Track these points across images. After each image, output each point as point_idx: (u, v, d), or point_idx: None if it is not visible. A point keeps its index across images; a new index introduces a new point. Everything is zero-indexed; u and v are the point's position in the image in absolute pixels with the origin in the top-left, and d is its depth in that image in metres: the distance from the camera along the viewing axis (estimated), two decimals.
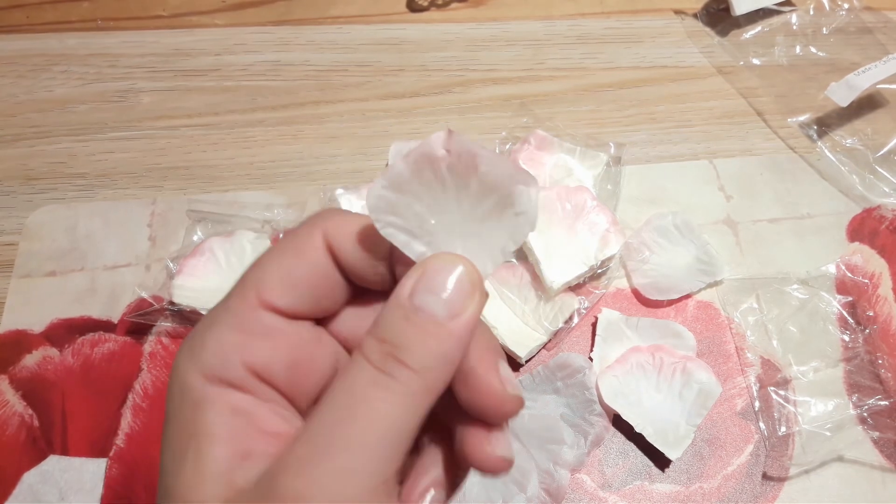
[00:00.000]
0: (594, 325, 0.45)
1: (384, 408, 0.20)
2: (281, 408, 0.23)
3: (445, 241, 0.23)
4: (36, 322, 0.43)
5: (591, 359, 0.43)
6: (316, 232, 0.23)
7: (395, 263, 0.23)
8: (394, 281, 0.24)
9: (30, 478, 0.39)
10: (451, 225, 0.23)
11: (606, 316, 0.44)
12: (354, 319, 0.25)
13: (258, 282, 0.22)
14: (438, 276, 0.21)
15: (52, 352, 0.42)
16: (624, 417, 0.41)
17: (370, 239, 0.23)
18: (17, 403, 0.40)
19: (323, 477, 0.19)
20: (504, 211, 0.23)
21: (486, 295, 0.22)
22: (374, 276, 0.23)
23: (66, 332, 0.43)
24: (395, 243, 0.23)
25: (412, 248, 0.23)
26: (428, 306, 0.21)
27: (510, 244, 0.23)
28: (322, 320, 0.24)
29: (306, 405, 0.24)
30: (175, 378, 0.22)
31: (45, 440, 0.39)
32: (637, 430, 0.40)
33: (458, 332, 0.21)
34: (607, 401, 0.41)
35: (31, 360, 0.42)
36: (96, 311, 0.44)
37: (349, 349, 0.25)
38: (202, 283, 0.42)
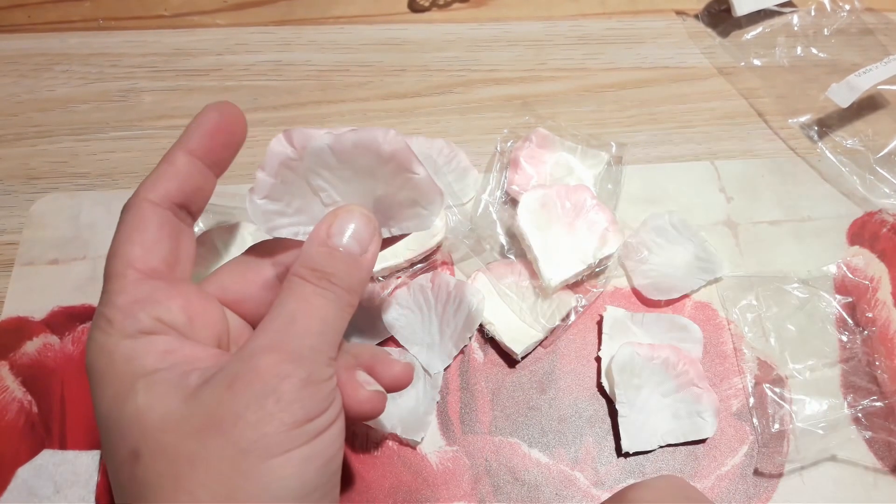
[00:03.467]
0: (599, 324, 0.47)
1: (325, 309, 0.28)
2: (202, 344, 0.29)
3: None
4: (37, 309, 0.45)
5: (598, 358, 0.45)
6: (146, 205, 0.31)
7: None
8: None
9: (24, 472, 0.41)
10: (345, 195, 0.32)
11: (612, 313, 0.46)
12: (231, 284, 0.33)
13: (122, 259, 0.29)
14: (348, 222, 0.30)
15: (53, 339, 0.44)
16: None
17: None
18: (16, 389, 0.43)
19: (288, 341, 0.27)
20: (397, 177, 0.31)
21: (381, 237, 0.31)
22: None
23: (66, 319, 0.45)
24: (285, 235, 0.32)
25: (302, 230, 0.32)
26: (346, 245, 0.29)
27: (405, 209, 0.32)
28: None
29: None
30: (95, 357, 0.28)
31: (43, 426, 0.42)
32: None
33: (367, 264, 0.30)
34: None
35: (31, 347, 0.44)
36: (97, 300, 0.45)
37: (231, 308, 0.33)
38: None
